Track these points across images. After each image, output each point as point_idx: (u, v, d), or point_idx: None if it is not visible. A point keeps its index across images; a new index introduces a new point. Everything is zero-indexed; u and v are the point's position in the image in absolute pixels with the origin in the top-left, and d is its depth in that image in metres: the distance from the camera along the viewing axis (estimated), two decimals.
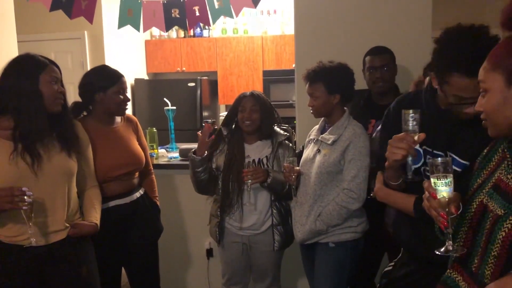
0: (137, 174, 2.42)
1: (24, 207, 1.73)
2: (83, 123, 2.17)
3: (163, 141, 3.71)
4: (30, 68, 1.87)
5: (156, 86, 5.69)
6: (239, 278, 2.57)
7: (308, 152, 2.32)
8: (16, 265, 1.89)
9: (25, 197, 1.73)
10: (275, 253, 2.48)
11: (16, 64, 1.89)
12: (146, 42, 6.08)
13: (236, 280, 2.58)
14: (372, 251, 2.47)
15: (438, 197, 1.17)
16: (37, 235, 1.86)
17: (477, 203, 1.18)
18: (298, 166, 2.29)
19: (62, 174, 1.96)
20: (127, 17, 2.97)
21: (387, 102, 2.47)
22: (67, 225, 1.97)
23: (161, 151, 3.49)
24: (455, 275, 1.25)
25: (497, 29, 1.47)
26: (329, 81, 2.16)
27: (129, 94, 2.41)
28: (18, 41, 3.44)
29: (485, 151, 1.27)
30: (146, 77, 6.10)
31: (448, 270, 1.28)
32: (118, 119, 2.39)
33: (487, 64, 1.13)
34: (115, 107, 2.29)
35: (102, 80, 2.27)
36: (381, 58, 2.50)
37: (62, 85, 1.98)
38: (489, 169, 1.22)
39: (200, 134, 2.41)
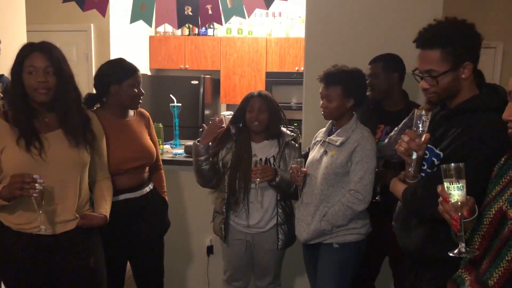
0: (147, 168, 2.44)
1: (34, 195, 1.73)
2: (97, 115, 2.18)
3: (165, 137, 3.72)
4: (18, 55, 1.87)
5: (159, 82, 5.70)
6: (241, 275, 2.60)
7: (314, 154, 2.35)
8: (24, 253, 1.90)
9: (36, 185, 1.73)
10: (278, 252, 2.51)
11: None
12: (151, 38, 6.09)
13: (238, 277, 2.60)
14: (374, 254, 2.50)
15: (451, 201, 1.20)
16: (47, 223, 1.86)
17: (496, 209, 1.21)
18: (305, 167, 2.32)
19: (74, 164, 1.97)
20: (140, 12, 2.99)
21: (396, 108, 2.53)
22: (77, 215, 1.98)
23: (166, 147, 3.51)
24: (465, 275, 1.28)
25: (497, 27, 1.54)
26: (347, 84, 2.20)
27: None
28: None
29: (503, 159, 1.31)
30: (148, 73, 6.11)
31: (459, 270, 1.32)
32: (131, 112, 2.41)
33: None
34: (129, 100, 2.31)
35: (118, 72, 2.29)
36: (371, 67, 2.54)
37: (57, 74, 1.88)
38: (508, 177, 1.25)
39: (205, 126, 2.45)
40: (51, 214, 1.91)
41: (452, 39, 1.56)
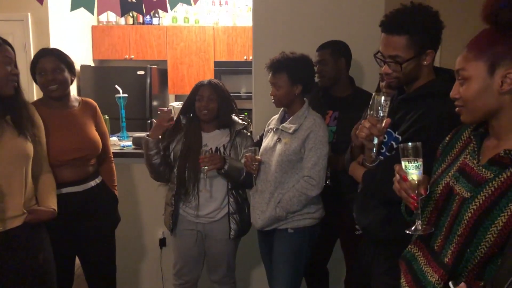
0: (93, 161, 2.35)
1: None
2: (36, 106, 2.10)
3: (112, 130, 3.61)
4: None
5: (103, 73, 5.52)
6: (190, 268, 2.55)
7: (268, 141, 2.35)
8: None
9: None
10: (231, 242, 2.49)
11: None
12: (93, 27, 5.87)
13: (187, 270, 2.55)
14: (326, 237, 2.54)
15: (409, 180, 1.23)
16: None
17: (443, 185, 1.26)
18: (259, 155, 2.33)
19: (19, 157, 1.89)
20: None
21: (343, 94, 2.58)
22: (25, 211, 1.90)
23: (113, 139, 3.41)
24: (415, 251, 1.33)
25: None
26: (293, 71, 2.20)
27: (75, 81, 2.32)
28: None
29: (447, 138, 1.36)
30: (92, 64, 5.90)
31: (409, 246, 1.37)
32: (75, 103, 2.32)
33: (468, 53, 1.19)
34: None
35: None
36: (319, 54, 2.57)
37: (16, 67, 1.91)
38: (453, 154, 1.30)
39: (155, 121, 2.39)
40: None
41: (420, 27, 1.56)
